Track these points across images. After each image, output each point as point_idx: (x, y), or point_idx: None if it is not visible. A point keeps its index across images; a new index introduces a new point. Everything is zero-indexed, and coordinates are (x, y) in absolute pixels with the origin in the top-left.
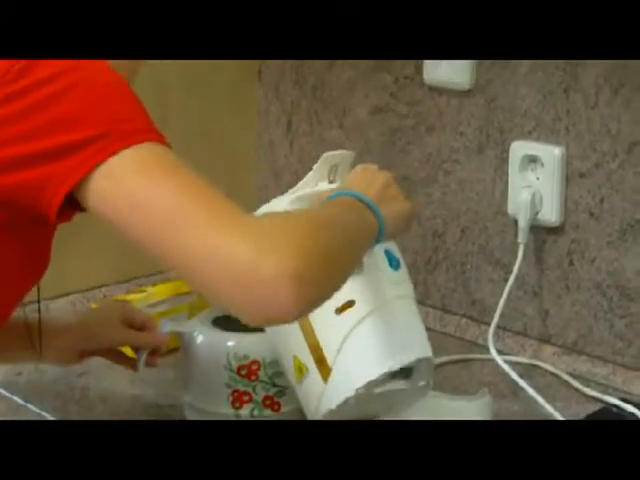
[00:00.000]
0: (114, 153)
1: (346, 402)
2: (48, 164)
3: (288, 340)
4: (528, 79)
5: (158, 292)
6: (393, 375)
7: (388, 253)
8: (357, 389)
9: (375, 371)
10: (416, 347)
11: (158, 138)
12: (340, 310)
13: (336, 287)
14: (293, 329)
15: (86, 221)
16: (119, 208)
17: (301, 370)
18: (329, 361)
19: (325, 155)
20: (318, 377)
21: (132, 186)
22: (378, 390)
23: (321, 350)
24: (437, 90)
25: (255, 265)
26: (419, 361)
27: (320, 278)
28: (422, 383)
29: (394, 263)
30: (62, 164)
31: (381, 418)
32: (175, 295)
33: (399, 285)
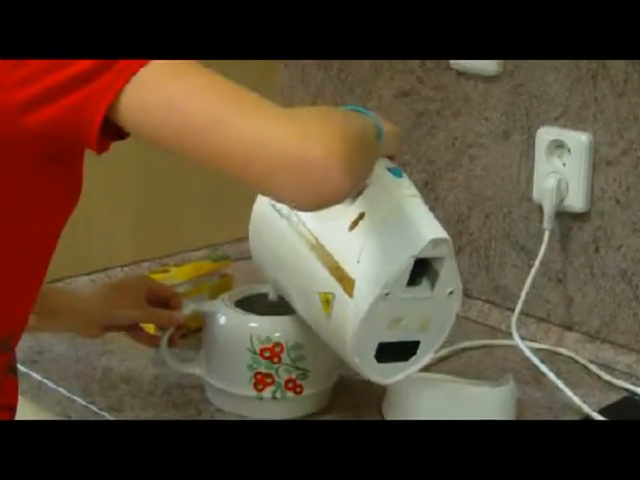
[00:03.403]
0: (144, 64)
1: (375, 306)
2: (83, 87)
3: (308, 280)
4: (556, 65)
5: (181, 272)
6: (418, 281)
7: (388, 168)
8: (382, 286)
9: (396, 263)
10: (430, 232)
11: None
12: (352, 226)
13: (371, 167)
14: (311, 266)
15: (110, 198)
16: (157, 116)
17: (328, 301)
18: (351, 275)
19: None
20: (345, 296)
21: (167, 91)
22: (404, 295)
23: (342, 269)
24: (464, 75)
25: (302, 149)
26: (439, 251)
27: (361, 155)
28: (450, 289)
29: (396, 173)
30: (97, 83)
31: (417, 339)
32: (198, 276)
33: (405, 188)
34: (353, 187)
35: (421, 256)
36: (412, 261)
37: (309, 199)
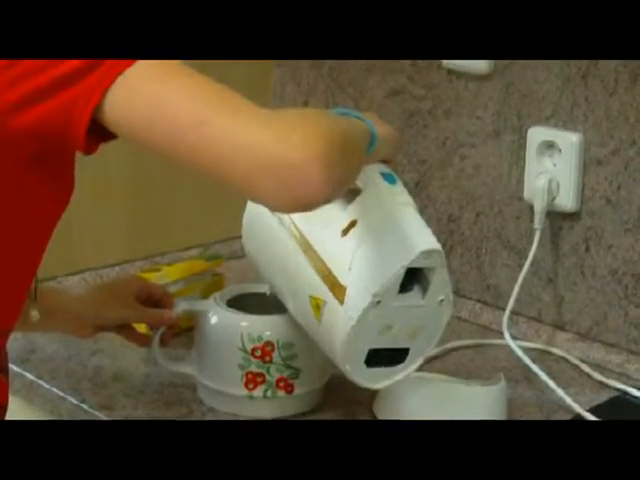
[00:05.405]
0: (130, 64)
1: (366, 314)
2: (70, 87)
3: (300, 283)
4: (547, 65)
5: (173, 271)
6: (409, 288)
7: (382, 173)
8: (374, 295)
9: (387, 272)
10: (422, 242)
11: None
12: (344, 233)
13: (355, 172)
14: (302, 269)
15: (102, 197)
16: (140, 117)
17: (319, 307)
18: (342, 282)
19: None
20: (335, 303)
21: (150, 93)
22: (395, 304)
23: (333, 275)
24: (455, 74)
25: (283, 151)
26: (430, 261)
27: (343, 159)
28: (440, 298)
29: (390, 179)
30: (84, 83)
31: (407, 348)
32: (190, 275)
33: (398, 195)
34: (333, 191)
35: (412, 266)
36: (403, 271)
37: (287, 202)
